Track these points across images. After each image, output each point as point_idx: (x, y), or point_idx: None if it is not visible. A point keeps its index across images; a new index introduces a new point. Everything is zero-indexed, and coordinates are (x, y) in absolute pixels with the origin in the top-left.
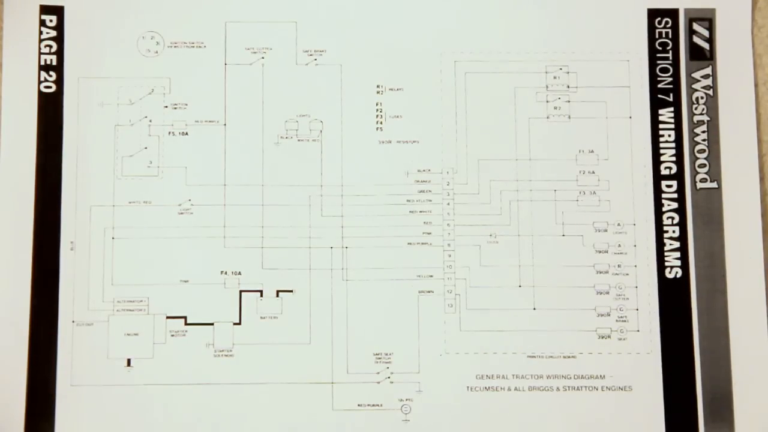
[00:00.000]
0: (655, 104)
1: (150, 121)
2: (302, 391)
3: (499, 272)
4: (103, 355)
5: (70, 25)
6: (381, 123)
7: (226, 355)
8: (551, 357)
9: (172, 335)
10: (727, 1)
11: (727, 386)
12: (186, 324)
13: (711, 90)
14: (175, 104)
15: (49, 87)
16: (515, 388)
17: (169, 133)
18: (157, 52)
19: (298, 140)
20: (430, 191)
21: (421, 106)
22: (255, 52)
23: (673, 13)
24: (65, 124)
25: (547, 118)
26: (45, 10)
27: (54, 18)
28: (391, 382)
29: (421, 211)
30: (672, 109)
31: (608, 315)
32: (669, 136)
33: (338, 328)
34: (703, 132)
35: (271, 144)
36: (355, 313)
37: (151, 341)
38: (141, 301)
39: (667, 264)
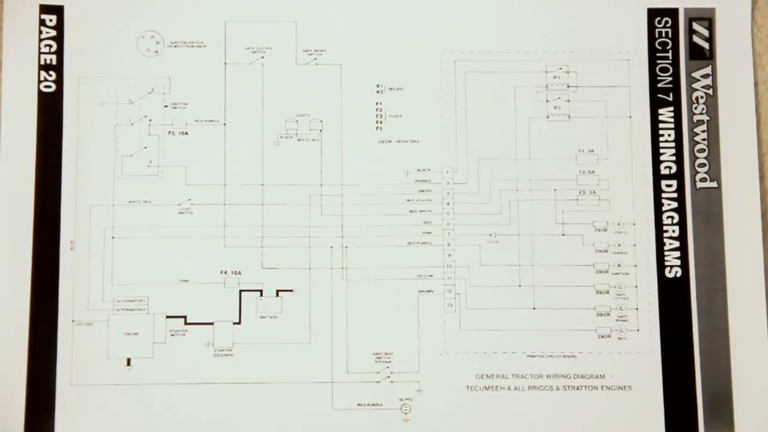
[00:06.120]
0: (655, 104)
1: (150, 120)
2: (302, 390)
3: (499, 272)
4: (103, 355)
5: (70, 24)
6: (381, 122)
7: (225, 355)
8: (551, 356)
9: (172, 335)
10: (727, 1)
11: (727, 386)
12: (186, 323)
13: (711, 89)
14: (175, 104)
15: (49, 87)
16: (515, 388)
17: (169, 132)
18: (156, 51)
19: (298, 140)
20: (429, 191)
21: (421, 105)
22: (255, 52)
23: (673, 13)
24: (65, 123)
25: (547, 117)
26: (45, 9)
27: (54, 18)
28: (391, 382)
29: (421, 211)
30: (672, 108)
31: (608, 314)
32: (669, 135)
33: (338, 328)
34: (703, 131)
35: (271, 144)
36: (355, 313)
37: (151, 341)
38: (141, 300)
39: (666, 263)
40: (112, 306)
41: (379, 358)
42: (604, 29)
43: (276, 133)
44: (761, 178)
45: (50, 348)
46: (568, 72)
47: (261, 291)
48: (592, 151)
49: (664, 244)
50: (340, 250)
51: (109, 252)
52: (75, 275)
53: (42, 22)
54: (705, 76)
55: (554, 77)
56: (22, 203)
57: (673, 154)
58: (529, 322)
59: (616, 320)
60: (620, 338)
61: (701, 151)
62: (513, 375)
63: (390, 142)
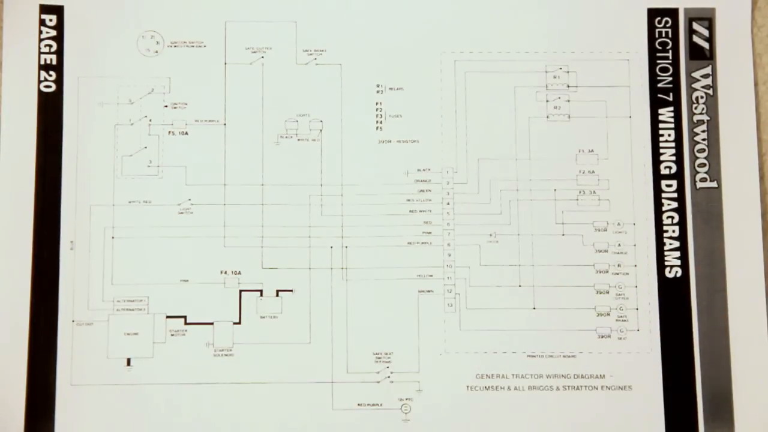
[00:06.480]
0: (655, 104)
1: (150, 120)
2: (302, 390)
3: (499, 272)
4: (103, 355)
5: (70, 24)
6: (381, 122)
7: (225, 355)
8: (551, 356)
9: (172, 335)
10: (727, 1)
11: (727, 386)
12: (186, 323)
13: (711, 89)
14: (175, 104)
15: (49, 86)
16: (515, 388)
17: (169, 132)
18: (156, 51)
19: (298, 140)
20: (430, 191)
21: (421, 105)
22: (255, 52)
23: (673, 13)
24: (65, 123)
25: (547, 117)
26: (45, 9)
27: (54, 18)
28: (391, 382)
29: (421, 211)
30: (672, 108)
31: (608, 314)
32: (669, 135)
33: (338, 328)
34: (703, 131)
35: (271, 144)
36: (355, 313)
37: (151, 341)
38: (141, 300)
39: (667, 263)
40: (112, 306)
41: (379, 358)
42: (604, 29)
43: (276, 133)
44: (761, 178)
45: (50, 348)
46: (568, 72)
47: (261, 291)
48: (592, 151)
49: (664, 244)
50: (340, 250)
51: (109, 252)
52: (75, 275)
53: (42, 22)
54: (705, 76)
55: (554, 77)
56: (22, 203)
57: (673, 154)
58: (529, 322)
59: (616, 320)
60: (620, 338)
61: (701, 151)
62: (513, 375)
63: (390, 142)
